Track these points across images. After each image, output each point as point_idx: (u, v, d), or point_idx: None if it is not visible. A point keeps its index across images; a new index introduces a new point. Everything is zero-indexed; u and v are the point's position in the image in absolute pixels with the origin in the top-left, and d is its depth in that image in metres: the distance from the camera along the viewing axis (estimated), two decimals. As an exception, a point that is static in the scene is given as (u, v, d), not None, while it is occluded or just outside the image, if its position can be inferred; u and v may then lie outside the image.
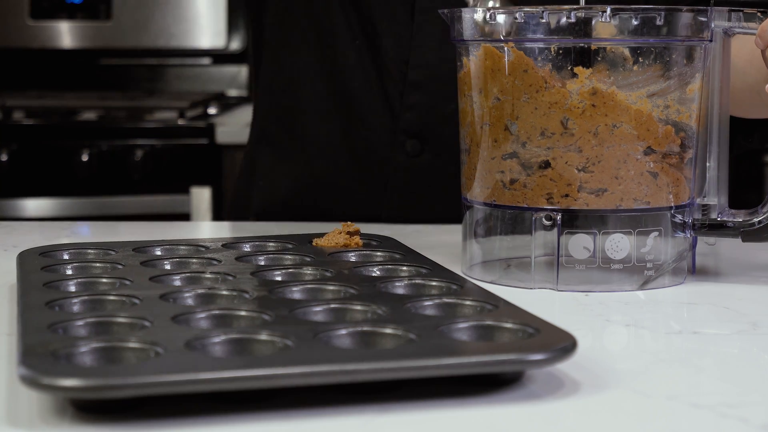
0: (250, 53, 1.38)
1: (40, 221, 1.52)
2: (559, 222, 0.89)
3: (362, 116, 1.26)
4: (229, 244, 0.96)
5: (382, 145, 1.25)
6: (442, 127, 1.23)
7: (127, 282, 0.81)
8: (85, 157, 2.45)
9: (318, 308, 0.73)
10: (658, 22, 0.88)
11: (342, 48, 1.25)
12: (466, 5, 0.96)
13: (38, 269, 0.86)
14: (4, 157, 2.44)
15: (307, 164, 1.29)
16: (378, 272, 0.86)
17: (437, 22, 1.21)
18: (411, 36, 1.23)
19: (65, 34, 2.96)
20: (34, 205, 2.46)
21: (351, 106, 1.26)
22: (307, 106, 1.29)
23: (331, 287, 0.80)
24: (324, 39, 1.26)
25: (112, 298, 0.76)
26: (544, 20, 0.88)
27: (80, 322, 0.69)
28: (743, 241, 0.93)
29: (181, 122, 2.52)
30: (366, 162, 1.26)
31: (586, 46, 0.88)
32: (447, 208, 1.18)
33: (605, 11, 0.87)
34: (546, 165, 0.89)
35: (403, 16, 1.23)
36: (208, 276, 0.84)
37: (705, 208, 0.94)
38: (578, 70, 0.88)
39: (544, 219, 0.90)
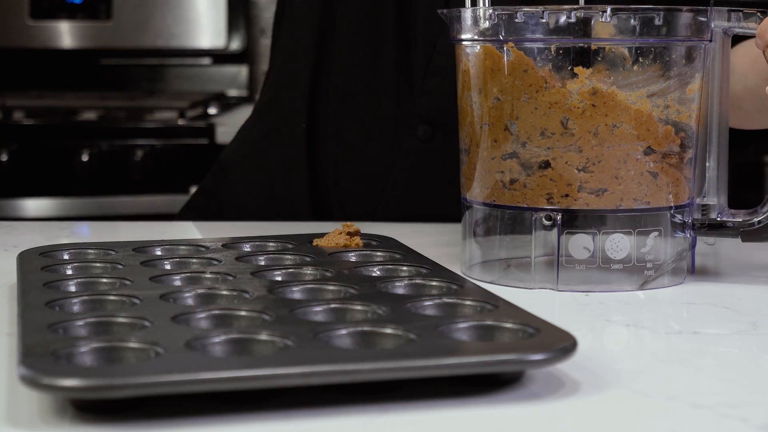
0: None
1: (40, 221, 1.52)
2: (559, 222, 0.89)
3: (383, 89, 1.25)
4: (229, 244, 0.96)
5: (395, 123, 1.25)
6: (456, 117, 1.22)
7: (127, 282, 0.81)
8: (85, 157, 2.45)
9: (318, 308, 0.73)
10: (658, 22, 0.88)
11: (380, 14, 1.25)
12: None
13: (38, 269, 0.86)
14: (4, 157, 2.44)
15: (318, 131, 1.28)
16: (378, 272, 0.86)
17: None
18: (442, 21, 1.22)
19: (65, 34, 2.97)
20: (34, 205, 2.46)
21: (375, 75, 1.25)
22: (334, 63, 1.28)
23: (331, 287, 0.80)
24: (361, 25, 1.26)
25: (112, 298, 0.76)
26: (543, 20, 0.88)
27: (80, 322, 0.69)
28: (743, 241, 0.93)
29: (181, 122, 2.52)
30: (377, 137, 1.26)
31: (585, 46, 0.88)
32: (448, 199, 1.17)
33: (605, 11, 0.87)
34: (546, 165, 0.89)
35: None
36: (208, 276, 0.84)
37: (704, 208, 0.94)
38: (578, 70, 0.88)
39: (544, 219, 0.90)
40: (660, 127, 0.90)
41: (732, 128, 0.97)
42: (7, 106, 2.54)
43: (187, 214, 1.41)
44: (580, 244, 0.89)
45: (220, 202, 1.37)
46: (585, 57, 0.88)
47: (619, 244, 0.89)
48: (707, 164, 0.94)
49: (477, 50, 0.92)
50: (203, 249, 0.95)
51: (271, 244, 0.97)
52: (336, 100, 1.28)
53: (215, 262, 0.89)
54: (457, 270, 0.92)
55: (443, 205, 1.20)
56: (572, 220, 0.89)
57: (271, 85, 1.36)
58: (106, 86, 2.97)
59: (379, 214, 1.25)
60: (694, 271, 0.96)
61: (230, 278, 0.83)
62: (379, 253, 0.93)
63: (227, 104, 2.88)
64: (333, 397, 0.62)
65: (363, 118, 1.26)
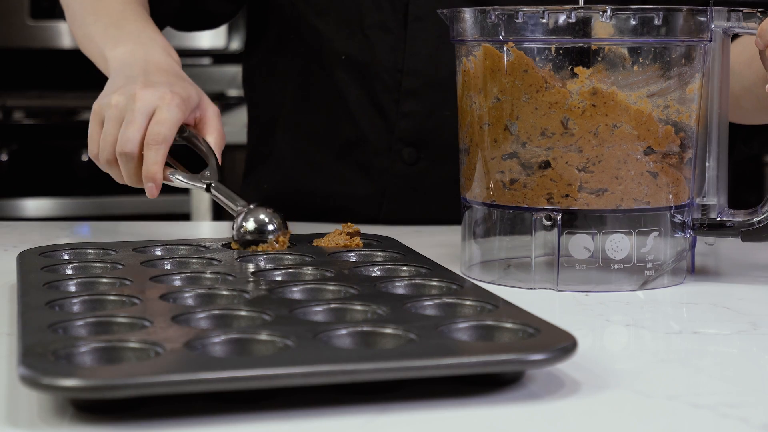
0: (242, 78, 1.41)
1: (40, 221, 1.52)
2: (559, 222, 0.89)
3: (358, 128, 1.25)
4: (230, 244, 0.96)
5: (378, 154, 1.25)
6: (438, 134, 1.23)
7: (127, 282, 0.81)
8: (85, 157, 2.45)
9: (318, 308, 0.73)
10: (658, 22, 0.88)
11: (330, 66, 1.25)
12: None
13: (38, 269, 0.86)
14: (4, 157, 2.44)
15: (303, 175, 1.29)
16: (378, 272, 0.86)
17: (431, 28, 1.21)
18: (404, 44, 1.23)
19: (65, 34, 2.96)
20: (34, 205, 2.46)
21: (346, 121, 1.26)
22: (304, 124, 1.29)
23: (331, 287, 0.80)
24: (312, 61, 1.27)
25: (112, 298, 0.76)
26: (544, 20, 0.88)
27: (80, 322, 0.69)
28: (743, 241, 0.93)
29: (181, 122, 2.52)
30: (363, 172, 1.26)
31: (585, 46, 0.88)
32: (445, 214, 1.18)
33: (605, 11, 0.87)
34: (546, 165, 0.89)
35: (395, 24, 1.23)
36: (208, 276, 0.84)
37: (704, 208, 0.94)
38: (578, 70, 0.88)
39: (544, 219, 0.90)
40: (660, 127, 0.90)
41: (736, 123, 0.97)
42: (7, 106, 2.54)
43: None
44: (580, 244, 0.89)
45: None
46: (585, 57, 0.88)
47: (619, 244, 0.89)
48: (707, 164, 0.94)
49: (477, 50, 0.92)
50: (203, 249, 0.95)
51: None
52: (316, 138, 1.28)
53: (215, 262, 0.89)
54: (456, 270, 0.92)
55: (436, 224, 1.21)
56: (572, 220, 0.89)
57: (253, 121, 1.37)
58: (106, 86, 2.96)
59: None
60: (694, 271, 0.96)
61: (230, 278, 0.83)
62: (379, 253, 0.93)
63: (227, 104, 2.88)
64: (333, 397, 0.62)
65: (347, 152, 1.26)
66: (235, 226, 0.96)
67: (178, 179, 1.01)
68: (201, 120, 1.07)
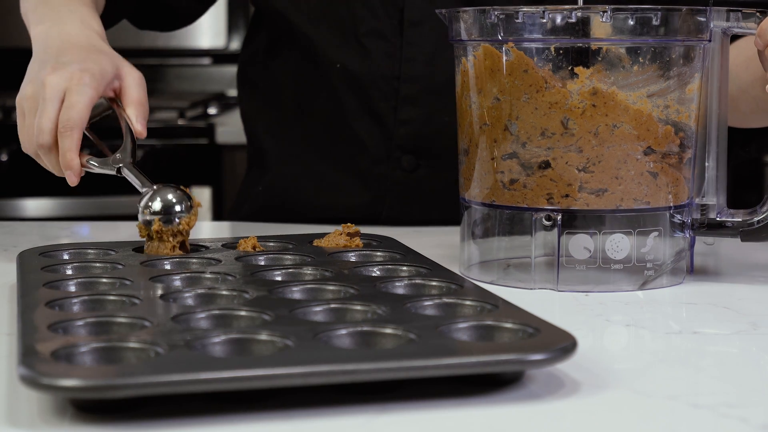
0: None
1: (40, 221, 1.52)
2: (559, 222, 0.89)
3: (356, 137, 1.25)
4: (229, 244, 0.96)
5: (377, 162, 1.24)
6: (437, 140, 1.22)
7: (127, 282, 0.81)
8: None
9: (318, 308, 0.73)
10: (657, 22, 0.88)
11: (326, 75, 1.25)
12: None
13: (38, 269, 0.86)
14: (4, 157, 2.44)
15: (300, 184, 1.28)
16: (378, 272, 0.86)
17: (427, 33, 1.20)
18: (401, 50, 1.22)
19: (65, 34, 2.96)
20: (34, 205, 2.46)
21: (343, 129, 1.25)
22: (299, 131, 1.28)
23: (331, 287, 0.80)
24: (307, 68, 1.26)
25: (112, 298, 0.76)
26: (544, 20, 0.88)
27: (80, 322, 0.69)
28: (742, 240, 0.93)
29: (181, 122, 2.52)
30: (362, 180, 1.25)
31: (585, 46, 0.88)
32: (445, 220, 1.18)
33: (605, 11, 0.87)
34: (546, 165, 0.89)
35: (391, 30, 1.22)
36: (208, 276, 0.84)
37: (704, 208, 0.94)
38: (579, 70, 0.88)
39: (544, 219, 0.90)
40: (660, 127, 0.90)
41: (733, 127, 0.97)
42: (7, 106, 2.54)
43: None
44: (580, 244, 0.89)
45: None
46: (585, 57, 0.88)
47: (619, 244, 0.89)
48: (706, 164, 0.94)
49: (476, 50, 0.92)
50: (203, 249, 0.95)
51: (271, 244, 0.97)
52: (314, 146, 1.28)
53: (215, 262, 0.89)
54: (456, 270, 0.92)
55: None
56: (572, 220, 0.89)
57: (250, 129, 1.36)
58: (106, 86, 2.96)
59: None
60: (693, 271, 0.96)
61: (230, 278, 0.83)
62: (379, 253, 0.93)
63: (227, 104, 2.88)
64: (333, 397, 0.62)
65: (346, 161, 1.26)
66: (140, 206, 0.93)
67: (92, 164, 0.97)
68: (121, 90, 1.02)
